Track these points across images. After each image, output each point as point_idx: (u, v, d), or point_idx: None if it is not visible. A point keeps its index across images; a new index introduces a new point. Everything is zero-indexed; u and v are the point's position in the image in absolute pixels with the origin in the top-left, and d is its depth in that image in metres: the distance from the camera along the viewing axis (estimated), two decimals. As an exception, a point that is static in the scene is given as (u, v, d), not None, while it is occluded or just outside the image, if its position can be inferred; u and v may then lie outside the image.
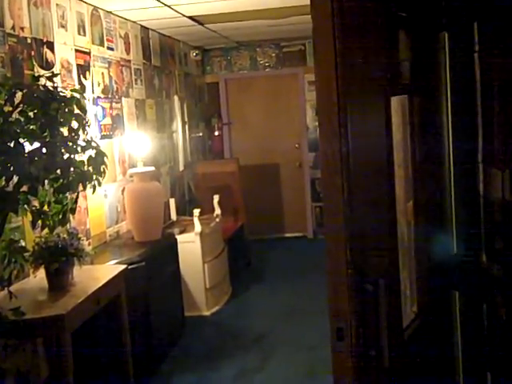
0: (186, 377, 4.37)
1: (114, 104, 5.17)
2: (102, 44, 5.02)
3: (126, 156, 5.34)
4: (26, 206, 2.68)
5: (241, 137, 8.60)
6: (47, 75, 2.86)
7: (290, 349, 4.74)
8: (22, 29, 3.79)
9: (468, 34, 2.14)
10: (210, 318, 5.54)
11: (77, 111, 2.83)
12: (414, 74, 2.04)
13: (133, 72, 5.69)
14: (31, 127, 2.63)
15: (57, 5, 4.24)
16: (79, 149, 2.81)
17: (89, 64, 4.72)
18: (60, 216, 2.87)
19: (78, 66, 4.52)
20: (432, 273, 2.13)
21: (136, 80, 5.77)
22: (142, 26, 5.98)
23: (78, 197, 2.96)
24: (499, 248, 2.15)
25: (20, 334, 3.00)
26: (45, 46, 4.05)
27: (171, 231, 5.45)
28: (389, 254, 1.79)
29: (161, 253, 4.76)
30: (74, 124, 2.82)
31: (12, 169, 2.50)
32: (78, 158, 2.82)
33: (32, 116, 2.64)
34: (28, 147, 2.61)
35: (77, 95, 2.88)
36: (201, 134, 8.16)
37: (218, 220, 6.17)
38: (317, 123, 7.22)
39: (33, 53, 3.88)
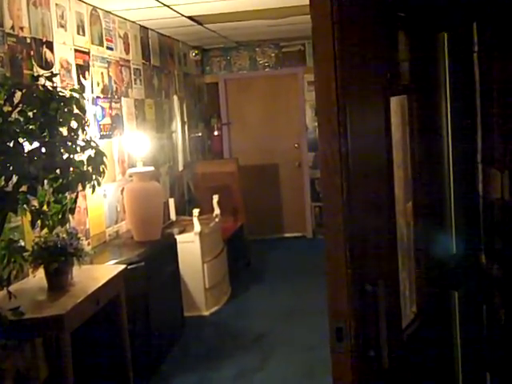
0: (185, 377, 4.37)
1: (113, 104, 5.17)
2: (101, 44, 5.01)
3: (125, 156, 5.34)
4: (25, 205, 2.68)
5: (240, 137, 8.60)
6: (46, 75, 2.86)
7: (290, 349, 4.74)
8: (22, 28, 3.79)
9: (467, 35, 2.14)
10: (209, 318, 5.54)
11: (76, 111, 2.83)
12: (413, 75, 2.04)
13: (132, 72, 5.69)
14: (30, 127, 2.63)
15: (56, 5, 4.24)
16: (78, 149, 2.81)
17: (88, 64, 4.72)
18: (59, 216, 2.87)
19: (78, 65, 4.52)
20: (431, 273, 2.13)
21: (135, 80, 5.77)
22: (141, 25, 5.98)
23: (77, 197, 2.97)
24: (498, 248, 2.15)
25: (19, 334, 3.00)
26: (44, 46, 4.05)
27: (171, 231, 5.45)
28: (388, 254, 1.79)
29: (160, 253, 4.76)
30: (74, 124, 2.82)
31: (11, 168, 2.50)
32: (77, 157, 2.82)
33: (31, 116, 2.64)
34: (27, 147, 2.61)
35: (76, 95, 2.88)
36: (200, 134, 8.16)
37: (217, 220, 6.17)
38: (316, 123, 7.24)
39: (32, 53, 3.88)
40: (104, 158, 2.93)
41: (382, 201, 1.75)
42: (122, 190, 4.99)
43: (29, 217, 2.79)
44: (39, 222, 2.79)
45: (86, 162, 2.83)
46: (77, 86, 4.42)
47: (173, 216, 5.96)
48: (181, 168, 7.05)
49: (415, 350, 1.97)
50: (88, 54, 4.73)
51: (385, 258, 1.76)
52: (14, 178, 2.54)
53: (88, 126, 2.95)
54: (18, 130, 2.58)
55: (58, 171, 2.70)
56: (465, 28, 2.15)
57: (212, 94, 8.61)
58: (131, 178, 5.01)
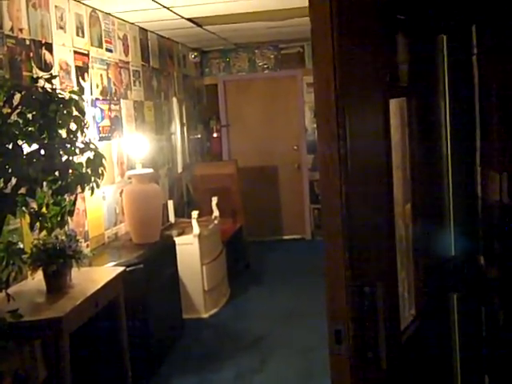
0: (184, 379, 4.37)
1: (112, 106, 5.17)
2: (100, 46, 5.02)
3: (124, 158, 5.34)
4: (24, 207, 2.68)
5: (239, 139, 8.60)
6: (46, 77, 2.87)
7: (289, 351, 4.74)
8: (21, 30, 3.79)
9: (466, 37, 2.15)
10: (208, 321, 5.54)
11: (75, 113, 2.83)
12: (412, 77, 2.05)
13: (131, 74, 5.70)
14: (29, 129, 2.63)
15: (55, 6, 4.24)
16: (77, 151, 2.82)
17: (87, 66, 4.72)
18: (58, 218, 2.87)
19: (77, 67, 4.52)
20: (430, 275, 2.13)
21: (134, 82, 5.77)
22: (140, 27, 5.98)
23: (76, 199, 2.97)
24: (497, 250, 2.15)
25: (18, 336, 3.00)
26: (43, 48, 4.05)
27: (169, 233, 5.45)
28: (387, 256, 1.79)
29: (159, 255, 4.76)
30: (73, 126, 2.82)
31: (10, 171, 2.50)
32: (76, 159, 2.82)
33: (30, 118, 2.65)
34: (26, 149, 2.61)
35: (75, 97, 2.88)
36: (199, 136, 8.16)
37: (216, 222, 6.16)
38: (315, 125, 7.26)
39: (31, 54, 3.88)
40: (103, 160, 2.93)
41: (380, 202, 1.75)
42: (121, 192, 4.99)
43: (28, 219, 2.79)
44: (38, 224, 2.79)
45: (85, 164, 2.83)
46: (76, 88, 4.42)
47: (172, 218, 5.96)
48: (180, 170, 7.05)
49: (414, 351, 1.97)
50: (87, 55, 4.74)
51: (383, 259, 1.76)
52: (13, 180, 2.54)
53: (87, 127, 2.95)
54: (17, 132, 2.58)
55: (57, 173, 2.70)
56: (464, 30, 2.15)
57: (211, 95, 8.62)
58: (130, 180, 5.01)
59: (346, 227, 1.65)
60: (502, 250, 2.13)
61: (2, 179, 2.51)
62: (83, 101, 4.44)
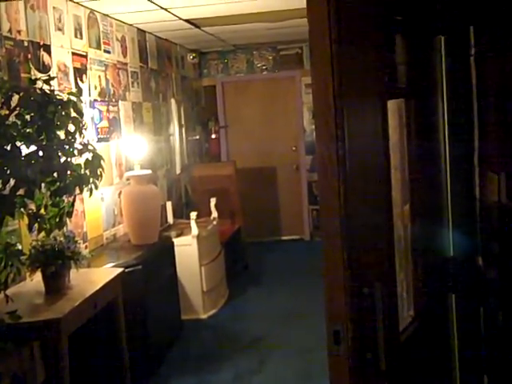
0: (183, 380, 4.37)
1: (110, 107, 5.17)
2: (98, 47, 5.02)
3: (122, 159, 5.34)
4: (22, 209, 2.68)
5: (238, 140, 8.60)
6: (44, 78, 2.87)
7: (287, 351, 4.74)
8: (19, 32, 3.79)
9: (464, 38, 2.15)
10: (206, 321, 5.54)
11: (73, 114, 2.84)
12: (410, 78, 2.05)
13: (129, 75, 5.70)
14: (28, 130, 2.63)
15: (53, 8, 4.24)
16: (76, 152, 2.82)
17: (86, 67, 4.72)
18: (57, 219, 2.87)
19: (75, 68, 4.52)
20: (429, 276, 2.13)
21: (133, 83, 5.77)
22: (138, 28, 5.98)
23: (74, 200, 2.97)
24: (495, 251, 2.15)
25: (16, 338, 3.00)
26: (41, 49, 4.05)
27: (168, 234, 5.44)
28: (385, 256, 1.79)
29: (158, 256, 4.76)
30: (71, 127, 2.82)
31: (9, 172, 2.50)
32: (74, 161, 2.82)
33: (29, 119, 2.65)
34: (25, 150, 2.61)
35: (73, 98, 2.88)
36: (198, 137, 8.16)
37: (214, 223, 6.16)
38: (314, 126, 7.25)
39: (29, 56, 3.88)
40: (101, 161, 2.93)
41: (379, 203, 1.75)
42: (120, 194, 4.99)
43: (26, 220, 2.78)
44: (36, 225, 2.78)
45: (83, 166, 2.84)
46: (74, 90, 4.42)
47: (170, 219, 5.96)
48: (178, 171, 7.05)
49: (412, 352, 1.97)
50: (85, 57, 4.74)
51: (382, 260, 1.76)
52: (12, 182, 2.54)
53: (85, 129, 2.95)
54: (15, 134, 2.58)
55: (55, 174, 2.70)
56: (462, 31, 2.15)
57: (209, 97, 8.62)
58: (128, 181, 5.01)
59: (344, 228, 1.65)
60: (500, 250, 2.13)
61: (0, 180, 2.51)
62: (81, 102, 4.41)
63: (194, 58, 7.91)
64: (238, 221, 7.17)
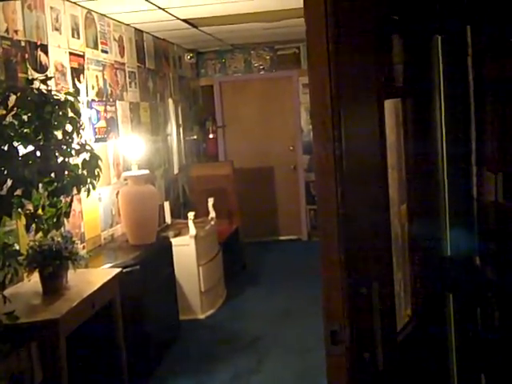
0: (181, 380, 4.37)
1: (108, 107, 5.16)
2: (96, 47, 5.01)
3: (120, 159, 5.33)
4: (19, 209, 2.68)
5: (235, 139, 8.60)
6: (41, 78, 2.86)
7: (285, 351, 4.74)
8: (16, 32, 3.78)
9: (461, 38, 2.15)
10: (204, 322, 5.54)
11: (71, 114, 2.84)
12: (407, 78, 2.05)
13: (127, 75, 5.69)
14: (25, 130, 2.63)
15: (51, 8, 4.24)
16: (73, 152, 2.82)
17: (83, 67, 4.71)
18: (54, 219, 2.87)
19: (72, 68, 4.51)
20: (426, 275, 2.14)
21: (130, 83, 5.76)
22: (136, 28, 5.98)
23: (72, 200, 2.96)
24: (493, 250, 2.16)
25: (14, 339, 2.99)
26: (39, 49, 4.04)
27: (166, 234, 5.44)
28: (383, 256, 1.79)
29: (155, 256, 4.76)
30: (68, 127, 2.82)
31: (6, 172, 2.50)
32: (72, 161, 2.82)
33: (26, 119, 2.64)
34: (22, 150, 2.61)
35: (71, 98, 2.88)
36: (195, 137, 8.16)
37: (212, 223, 6.16)
38: (311, 126, 7.25)
39: (27, 56, 3.88)
40: (99, 161, 2.93)
41: (376, 203, 1.75)
42: (117, 194, 4.99)
43: (23, 220, 2.78)
44: (34, 225, 2.78)
45: (80, 166, 2.84)
46: (72, 90, 4.41)
47: (168, 219, 5.96)
48: (176, 171, 7.04)
49: (410, 352, 1.97)
50: (83, 57, 4.73)
51: (379, 260, 1.76)
52: (9, 182, 2.54)
53: (83, 129, 2.95)
54: (12, 134, 2.57)
55: (52, 175, 2.70)
56: (459, 31, 2.15)
57: (207, 96, 8.62)
58: (126, 182, 5.01)
59: (341, 228, 1.65)
60: (497, 249, 2.13)
61: (-3, 181, 2.51)
62: (79, 102, 4.41)
63: (191, 57, 7.91)
64: (235, 221, 7.17)
